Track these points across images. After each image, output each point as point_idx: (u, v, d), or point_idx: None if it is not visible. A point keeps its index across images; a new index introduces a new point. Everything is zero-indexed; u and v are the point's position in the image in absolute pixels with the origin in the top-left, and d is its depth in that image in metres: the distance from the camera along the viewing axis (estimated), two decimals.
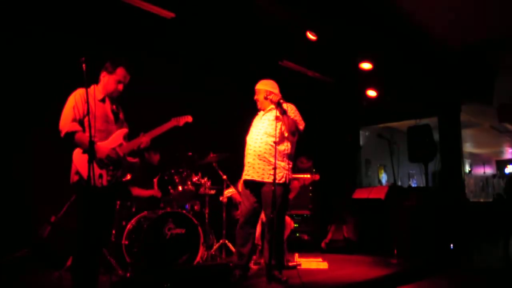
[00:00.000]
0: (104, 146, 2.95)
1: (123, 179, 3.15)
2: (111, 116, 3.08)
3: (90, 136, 2.58)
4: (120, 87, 3.07)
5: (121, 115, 3.19)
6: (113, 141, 3.02)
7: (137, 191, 4.63)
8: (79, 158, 2.85)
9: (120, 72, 3.05)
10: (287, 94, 3.94)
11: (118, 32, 4.83)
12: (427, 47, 6.03)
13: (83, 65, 2.63)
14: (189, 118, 3.49)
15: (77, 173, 2.86)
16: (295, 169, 4.67)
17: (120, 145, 3.03)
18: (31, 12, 4.36)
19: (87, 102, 2.68)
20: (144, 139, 3.12)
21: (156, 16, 4.60)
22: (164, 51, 5.47)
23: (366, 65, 6.00)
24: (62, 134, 2.86)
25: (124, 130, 3.13)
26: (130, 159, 3.14)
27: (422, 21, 5.28)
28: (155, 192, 4.70)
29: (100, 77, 3.07)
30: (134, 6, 4.37)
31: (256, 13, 4.71)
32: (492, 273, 5.00)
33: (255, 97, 3.96)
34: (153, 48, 5.34)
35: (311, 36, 5.14)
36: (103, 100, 3.05)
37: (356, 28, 5.20)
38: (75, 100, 2.92)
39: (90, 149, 2.54)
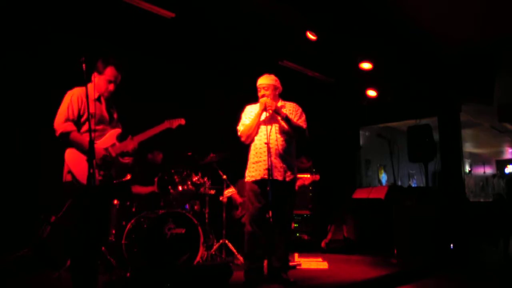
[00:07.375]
0: (97, 146, 2.94)
1: (123, 179, 3.15)
2: (106, 116, 3.08)
3: (90, 136, 2.57)
4: (111, 87, 3.05)
5: (115, 115, 3.19)
6: (106, 140, 3.03)
7: (137, 189, 4.64)
8: (71, 158, 2.86)
9: (109, 72, 3.02)
10: (287, 94, 3.93)
11: (118, 32, 4.83)
12: (427, 47, 6.03)
13: (83, 65, 2.63)
14: (182, 121, 3.48)
15: (69, 172, 2.86)
16: None
17: (113, 145, 3.04)
18: (32, 12, 4.37)
19: (87, 101, 2.68)
20: (130, 144, 3.08)
21: (156, 16, 4.60)
22: (164, 50, 5.47)
23: (366, 65, 6.00)
24: (57, 134, 2.88)
25: (118, 131, 3.12)
26: (121, 159, 3.08)
27: (422, 21, 5.28)
28: (154, 188, 4.70)
29: (91, 77, 3.05)
30: (134, 6, 4.37)
31: (256, 13, 4.72)
32: (492, 273, 5.00)
33: (263, 92, 3.72)
34: (152, 47, 5.34)
35: (311, 36, 5.14)
36: (98, 100, 3.06)
37: (356, 28, 5.20)
38: (71, 99, 2.93)
39: (90, 149, 2.54)
